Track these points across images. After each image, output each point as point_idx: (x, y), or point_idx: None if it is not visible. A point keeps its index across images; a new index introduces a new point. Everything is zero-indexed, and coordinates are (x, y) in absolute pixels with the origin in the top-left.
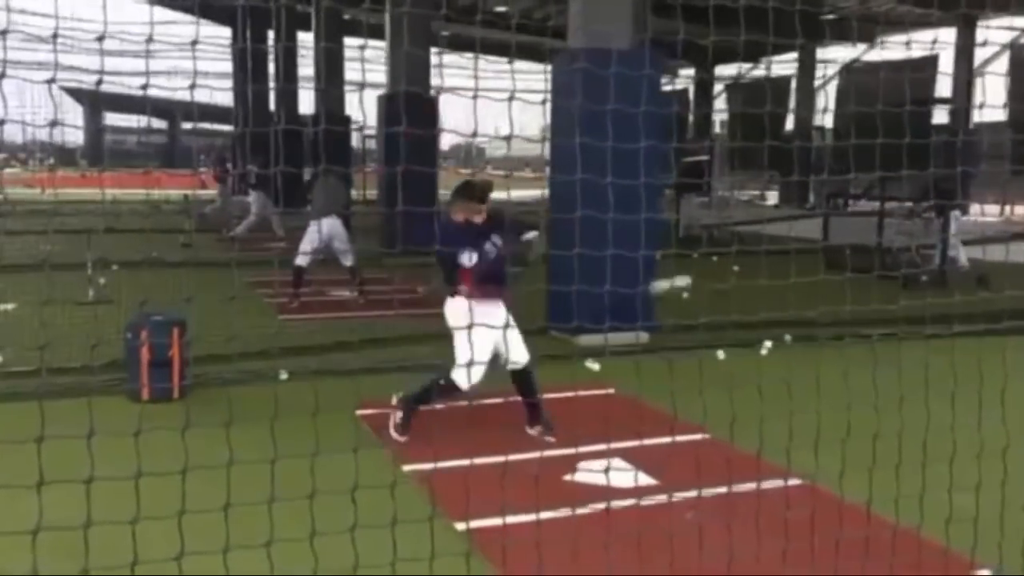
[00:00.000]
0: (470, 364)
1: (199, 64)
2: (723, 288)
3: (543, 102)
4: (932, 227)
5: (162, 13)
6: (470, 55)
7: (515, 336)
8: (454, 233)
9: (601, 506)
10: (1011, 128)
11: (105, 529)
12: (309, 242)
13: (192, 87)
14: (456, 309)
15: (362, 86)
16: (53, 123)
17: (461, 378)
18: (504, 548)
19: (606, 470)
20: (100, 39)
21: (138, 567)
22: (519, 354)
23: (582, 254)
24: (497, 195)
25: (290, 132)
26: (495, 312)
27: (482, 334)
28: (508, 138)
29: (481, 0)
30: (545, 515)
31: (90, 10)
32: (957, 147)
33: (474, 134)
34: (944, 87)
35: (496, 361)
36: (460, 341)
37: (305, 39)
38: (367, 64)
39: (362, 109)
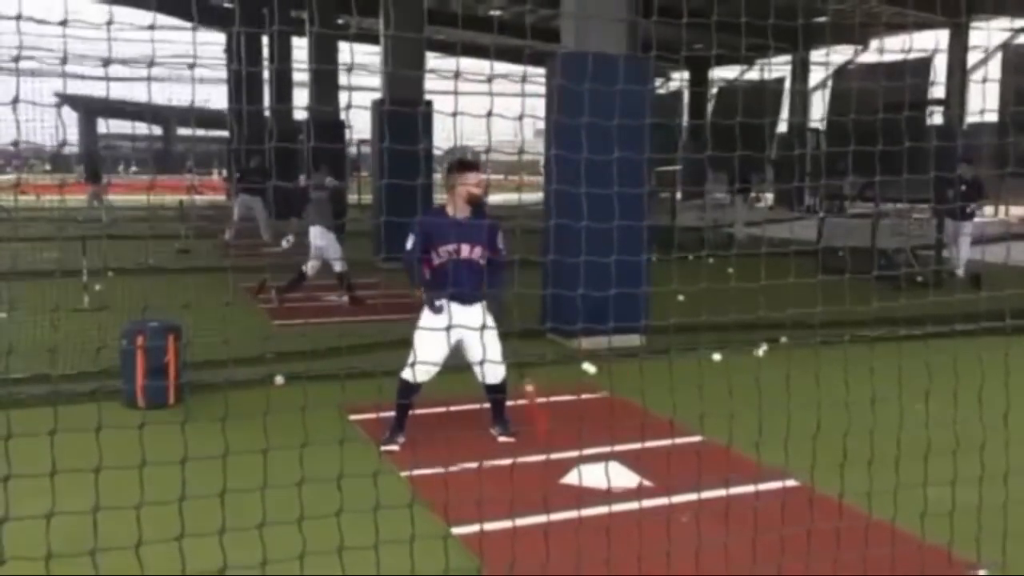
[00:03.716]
0: (413, 364)
1: (193, 71)
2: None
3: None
4: (928, 228)
5: (159, 19)
6: (464, 59)
7: (479, 344)
8: (433, 225)
9: (599, 509)
10: (1000, 129)
11: (106, 534)
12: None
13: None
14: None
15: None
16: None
17: (407, 374)
18: (506, 551)
19: (604, 473)
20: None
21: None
22: (485, 361)
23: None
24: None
25: (284, 139)
26: (455, 313)
27: (432, 334)
28: (513, 146)
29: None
30: (545, 518)
31: (90, 16)
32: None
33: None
34: (938, 88)
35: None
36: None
37: (299, 44)
38: (364, 70)
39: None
